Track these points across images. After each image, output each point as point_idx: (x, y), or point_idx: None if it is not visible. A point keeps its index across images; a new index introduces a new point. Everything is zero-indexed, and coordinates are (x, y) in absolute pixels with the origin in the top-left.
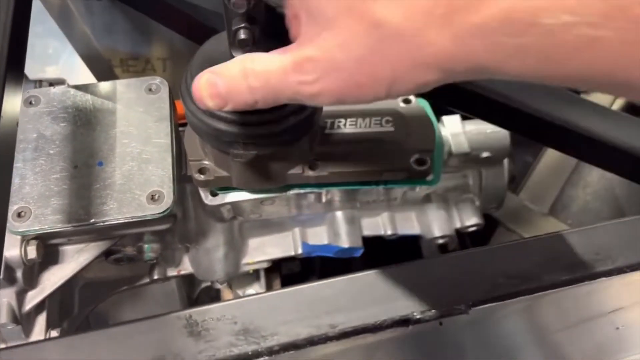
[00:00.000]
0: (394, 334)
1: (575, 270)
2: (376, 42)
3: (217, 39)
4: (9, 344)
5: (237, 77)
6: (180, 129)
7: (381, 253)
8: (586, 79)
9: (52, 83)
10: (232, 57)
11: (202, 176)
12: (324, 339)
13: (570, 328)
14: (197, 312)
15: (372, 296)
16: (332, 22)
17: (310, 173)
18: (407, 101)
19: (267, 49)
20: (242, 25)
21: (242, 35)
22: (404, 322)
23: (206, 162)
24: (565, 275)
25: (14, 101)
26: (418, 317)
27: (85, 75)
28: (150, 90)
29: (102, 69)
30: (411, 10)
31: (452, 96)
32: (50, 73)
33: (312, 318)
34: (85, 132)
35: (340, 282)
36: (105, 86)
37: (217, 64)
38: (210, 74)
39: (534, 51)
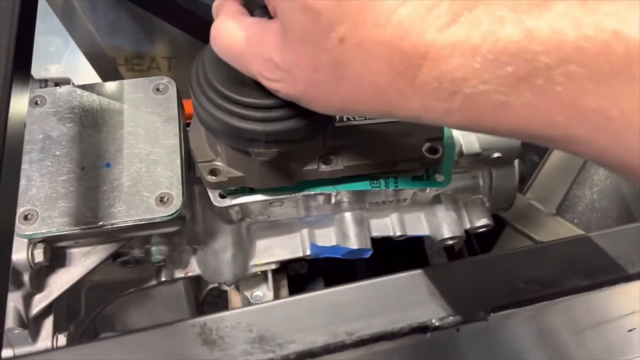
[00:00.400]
0: (411, 341)
1: (595, 275)
2: (332, 77)
3: None
4: (16, 349)
5: (220, 25)
6: (188, 128)
7: (385, 254)
8: (504, 133)
9: (58, 83)
10: None
11: (214, 178)
12: (341, 347)
13: (581, 332)
14: (211, 319)
15: (389, 302)
16: (297, 42)
17: (324, 168)
18: None
19: None
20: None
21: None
22: (422, 329)
23: (217, 163)
24: (585, 281)
25: (21, 102)
26: (437, 324)
27: (89, 74)
28: (158, 90)
29: (107, 68)
30: (370, 62)
31: None
32: (53, 71)
33: (328, 325)
34: (92, 133)
35: (357, 289)
36: (112, 86)
37: None
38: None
39: (459, 112)
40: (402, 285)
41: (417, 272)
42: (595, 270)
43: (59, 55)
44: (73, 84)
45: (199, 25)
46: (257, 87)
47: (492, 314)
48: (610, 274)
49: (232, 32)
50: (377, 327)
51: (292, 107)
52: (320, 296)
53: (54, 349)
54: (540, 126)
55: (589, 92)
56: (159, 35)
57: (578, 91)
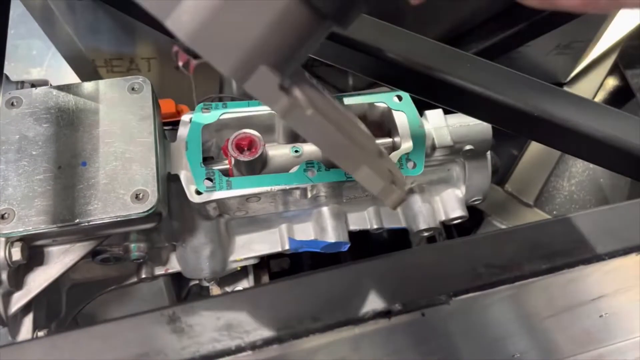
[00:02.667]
0: (377, 326)
1: (555, 258)
2: None
3: None
4: None
5: None
6: (165, 127)
7: (371, 248)
8: None
9: (35, 84)
10: None
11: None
12: (307, 333)
13: (556, 315)
14: (180, 308)
15: (353, 289)
16: None
17: None
18: None
19: None
20: None
21: None
22: (386, 313)
23: None
24: (545, 264)
25: None
26: (399, 308)
27: (70, 77)
28: (133, 89)
29: (87, 70)
30: None
31: (434, 90)
32: (35, 75)
33: (295, 312)
34: (68, 133)
35: (322, 276)
36: (87, 86)
37: None
38: None
39: None
40: (366, 272)
41: (381, 259)
42: (555, 253)
43: (41, 59)
44: (50, 85)
45: None
46: None
47: (454, 298)
48: (569, 257)
49: None
50: (341, 312)
51: None
52: (286, 284)
53: (27, 340)
54: None
55: None
56: (139, 36)
57: None
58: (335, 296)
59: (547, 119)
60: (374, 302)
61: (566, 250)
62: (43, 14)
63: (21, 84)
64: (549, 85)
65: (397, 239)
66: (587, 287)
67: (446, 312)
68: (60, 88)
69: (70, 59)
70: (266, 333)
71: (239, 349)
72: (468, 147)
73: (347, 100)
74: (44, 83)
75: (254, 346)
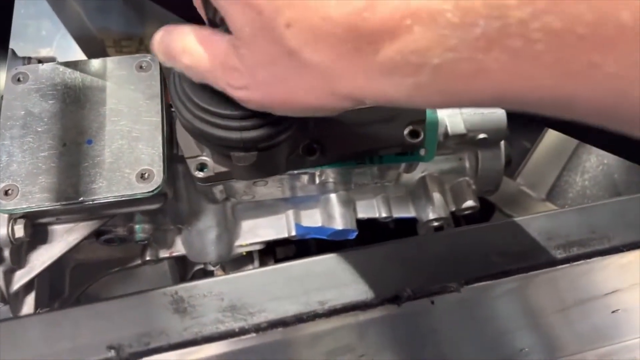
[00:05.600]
0: (385, 312)
1: (570, 249)
2: (292, 69)
3: None
4: None
5: (179, 50)
6: (172, 109)
7: (379, 237)
8: (487, 103)
9: (42, 60)
10: None
11: (201, 173)
12: (313, 316)
13: (565, 310)
14: (183, 288)
15: (362, 273)
16: (250, 41)
17: (308, 158)
18: None
19: None
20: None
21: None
22: (395, 299)
23: (204, 158)
24: (560, 254)
25: None
26: (409, 294)
27: (79, 57)
28: (141, 67)
29: (95, 50)
30: (321, 44)
31: None
32: (44, 55)
33: (301, 295)
34: (74, 110)
35: (331, 259)
36: (95, 63)
37: None
38: (164, 32)
39: (431, 87)
40: (376, 257)
41: (392, 244)
42: (571, 244)
43: (50, 39)
44: (57, 62)
45: (188, 7)
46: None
47: (465, 286)
48: (586, 247)
49: (193, 50)
50: (349, 297)
51: (267, 116)
52: (293, 266)
53: (25, 316)
54: (526, 91)
55: (574, 46)
56: (148, 17)
57: (562, 47)
58: (343, 280)
59: None
60: (382, 288)
61: (582, 240)
62: None
63: (28, 60)
64: None
65: (403, 229)
66: (602, 280)
67: (456, 301)
68: (67, 64)
69: (79, 39)
70: (271, 315)
71: (242, 331)
72: (482, 135)
73: None
74: (50, 60)
75: (258, 328)
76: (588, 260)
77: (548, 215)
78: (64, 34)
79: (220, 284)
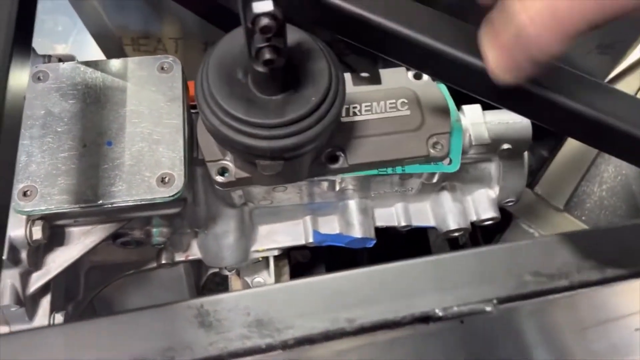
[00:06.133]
0: (413, 331)
1: (605, 270)
2: None
3: (231, 38)
4: (13, 326)
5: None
6: (192, 111)
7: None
8: None
9: (62, 59)
10: (252, 65)
11: (222, 178)
12: (341, 334)
13: (585, 329)
14: (209, 301)
15: (392, 290)
16: None
17: (331, 166)
18: (417, 76)
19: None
20: (267, 44)
21: (267, 55)
22: (425, 319)
23: (225, 162)
24: (595, 275)
25: (21, 74)
26: (440, 314)
27: (95, 54)
28: (162, 69)
29: (113, 48)
30: None
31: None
32: (60, 50)
33: (329, 311)
34: (94, 110)
35: (359, 275)
36: (116, 63)
37: (234, 66)
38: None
39: None
40: (405, 273)
41: (421, 260)
42: (605, 264)
43: (66, 35)
44: (77, 61)
45: (207, 6)
46: (262, 104)
47: (497, 306)
48: (621, 269)
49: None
50: (378, 314)
51: (296, 124)
52: (321, 281)
53: (48, 326)
54: None
55: None
56: (167, 15)
57: None
58: (372, 297)
59: (588, 115)
60: (412, 306)
61: (617, 261)
62: None
63: (48, 58)
64: (592, 79)
65: (413, 237)
66: (627, 301)
67: (485, 320)
68: (88, 64)
69: (97, 37)
70: (298, 332)
71: (269, 348)
72: (506, 146)
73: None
74: (70, 58)
75: (285, 345)
76: (623, 281)
77: (582, 235)
78: (80, 30)
79: (247, 298)
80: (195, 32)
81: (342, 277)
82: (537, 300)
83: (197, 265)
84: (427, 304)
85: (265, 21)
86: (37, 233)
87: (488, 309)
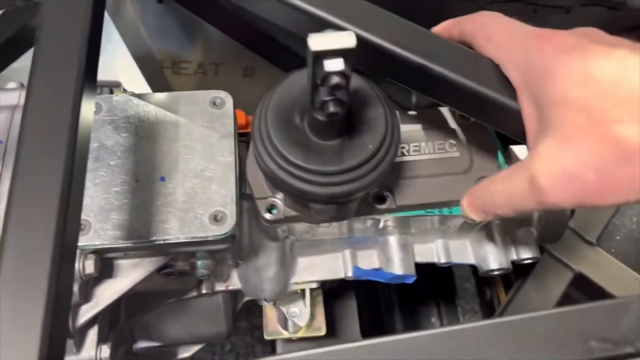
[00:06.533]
0: None
1: None
2: (615, 158)
3: (290, 82)
4: None
5: (487, 199)
6: (239, 139)
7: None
8: None
9: (112, 88)
10: (312, 114)
11: (270, 215)
12: None
13: None
14: None
15: (458, 355)
16: (569, 139)
17: (378, 206)
18: (465, 117)
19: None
20: (333, 97)
21: (331, 108)
22: None
23: (275, 200)
24: None
25: (89, 109)
26: None
27: (130, 72)
28: (214, 104)
29: (153, 70)
30: None
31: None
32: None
33: None
34: (147, 145)
35: (425, 338)
36: (168, 97)
37: (292, 110)
38: (468, 196)
39: None
40: (472, 337)
41: (489, 323)
42: None
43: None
44: (124, 89)
45: (246, 32)
46: (318, 149)
47: None
48: None
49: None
50: None
51: (353, 172)
52: (385, 344)
53: None
54: None
55: None
56: (207, 41)
57: None
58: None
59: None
60: None
61: None
62: (115, 10)
63: (100, 88)
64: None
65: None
66: None
67: None
68: (141, 97)
69: (138, 58)
70: None
71: None
72: None
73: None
74: (116, 84)
75: None
76: None
77: None
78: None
79: (316, 357)
80: (235, 57)
81: (409, 339)
82: None
83: (233, 294)
84: None
85: (336, 80)
86: (90, 267)
87: None
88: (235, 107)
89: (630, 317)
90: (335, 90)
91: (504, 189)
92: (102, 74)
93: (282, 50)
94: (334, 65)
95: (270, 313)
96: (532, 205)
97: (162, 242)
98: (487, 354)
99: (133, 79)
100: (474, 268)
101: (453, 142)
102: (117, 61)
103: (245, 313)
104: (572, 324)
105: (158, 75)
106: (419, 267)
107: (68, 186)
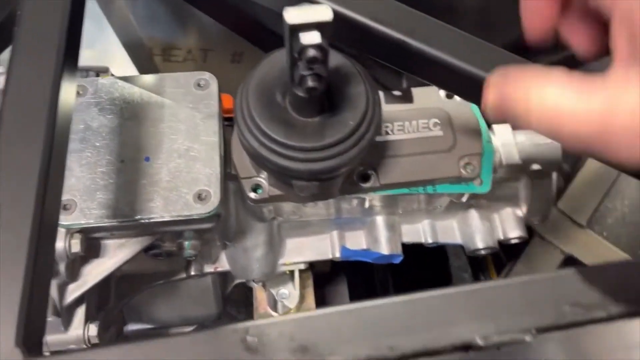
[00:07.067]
0: (452, 358)
1: None
2: None
3: (271, 60)
4: (49, 336)
5: (520, 100)
6: (225, 123)
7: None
8: None
9: (98, 72)
10: (292, 90)
11: (255, 194)
12: None
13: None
14: (254, 325)
15: (433, 318)
16: None
17: (362, 185)
18: (450, 96)
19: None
20: (311, 72)
21: (310, 83)
22: (465, 347)
23: (259, 179)
24: (634, 307)
25: (70, 90)
26: (481, 343)
27: (122, 61)
28: (199, 85)
29: (143, 57)
30: None
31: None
32: (87, 57)
33: (371, 339)
34: (132, 126)
35: (401, 303)
36: (153, 79)
37: (273, 88)
38: (498, 91)
39: None
40: (446, 301)
41: (462, 289)
42: None
43: (92, 41)
44: (112, 74)
45: (236, 18)
46: (300, 126)
47: (537, 336)
48: None
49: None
50: (419, 342)
51: (334, 147)
52: (364, 309)
53: (92, 348)
54: None
55: None
56: (197, 27)
57: None
58: (413, 325)
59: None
60: (454, 334)
61: None
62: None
63: (86, 72)
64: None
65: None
66: None
67: (521, 349)
68: (126, 79)
69: (128, 46)
70: (341, 359)
71: None
72: (535, 166)
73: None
74: (104, 69)
75: None
76: None
77: (623, 265)
78: (107, 36)
79: (291, 323)
80: (224, 43)
81: (384, 304)
82: (577, 330)
83: (223, 276)
84: (468, 332)
85: (312, 52)
86: (76, 246)
87: (527, 338)
88: (223, 92)
89: (603, 283)
90: (313, 63)
91: (563, 101)
92: (94, 63)
93: (270, 35)
94: (310, 38)
95: (260, 295)
96: (580, 145)
97: (147, 220)
98: (458, 318)
99: (125, 67)
100: (470, 258)
101: (437, 121)
102: (109, 50)
103: (234, 296)
104: (545, 289)
105: (148, 62)
106: (419, 260)
107: (47, 166)
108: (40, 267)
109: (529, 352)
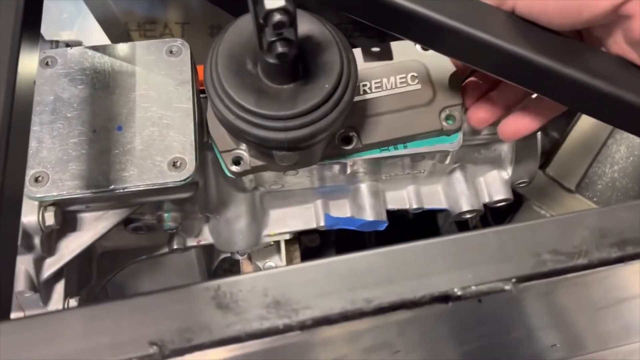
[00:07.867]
0: (431, 310)
1: (626, 247)
2: None
3: (237, 27)
4: (27, 312)
5: None
6: (202, 95)
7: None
8: None
9: (69, 44)
10: (263, 57)
11: (237, 167)
12: (359, 314)
13: (599, 310)
14: (225, 283)
15: (409, 270)
16: None
17: (344, 147)
18: (425, 48)
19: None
20: (279, 37)
21: (280, 48)
22: (444, 298)
23: (240, 152)
24: (615, 253)
25: (30, 60)
26: (459, 293)
27: (100, 40)
28: (171, 52)
29: (119, 33)
30: None
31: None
32: (65, 37)
33: (346, 292)
34: (103, 95)
35: (376, 255)
36: (124, 48)
37: (243, 56)
38: None
39: None
40: (422, 253)
41: (439, 240)
42: (625, 242)
43: (71, 22)
44: (85, 46)
45: None
46: (274, 94)
47: (516, 285)
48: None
49: None
50: (396, 294)
51: (311, 114)
52: (338, 262)
53: (64, 310)
54: None
55: None
56: (172, 0)
57: None
58: (390, 277)
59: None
60: (431, 286)
61: (637, 239)
62: None
63: (55, 44)
64: None
65: (422, 220)
66: None
67: (504, 299)
68: (96, 49)
69: (103, 22)
70: (316, 313)
71: (287, 328)
72: None
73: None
74: (77, 44)
75: (302, 326)
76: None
77: (600, 212)
78: (85, 16)
79: (264, 279)
80: (201, 16)
81: (359, 257)
82: (554, 279)
83: (208, 251)
84: (446, 283)
85: (277, 17)
86: (50, 219)
87: (507, 287)
88: (198, 62)
89: (584, 230)
90: (280, 28)
91: None
92: (82, 39)
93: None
94: (275, 1)
95: (247, 269)
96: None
97: (121, 191)
98: (436, 269)
99: None
100: (460, 228)
101: (415, 74)
102: (88, 30)
103: (221, 272)
104: (524, 238)
105: (124, 38)
106: (410, 235)
107: (6, 137)
108: (4, 242)
109: (510, 302)
